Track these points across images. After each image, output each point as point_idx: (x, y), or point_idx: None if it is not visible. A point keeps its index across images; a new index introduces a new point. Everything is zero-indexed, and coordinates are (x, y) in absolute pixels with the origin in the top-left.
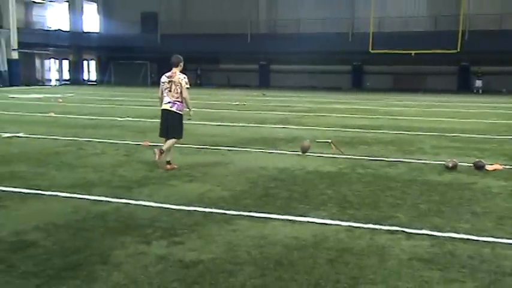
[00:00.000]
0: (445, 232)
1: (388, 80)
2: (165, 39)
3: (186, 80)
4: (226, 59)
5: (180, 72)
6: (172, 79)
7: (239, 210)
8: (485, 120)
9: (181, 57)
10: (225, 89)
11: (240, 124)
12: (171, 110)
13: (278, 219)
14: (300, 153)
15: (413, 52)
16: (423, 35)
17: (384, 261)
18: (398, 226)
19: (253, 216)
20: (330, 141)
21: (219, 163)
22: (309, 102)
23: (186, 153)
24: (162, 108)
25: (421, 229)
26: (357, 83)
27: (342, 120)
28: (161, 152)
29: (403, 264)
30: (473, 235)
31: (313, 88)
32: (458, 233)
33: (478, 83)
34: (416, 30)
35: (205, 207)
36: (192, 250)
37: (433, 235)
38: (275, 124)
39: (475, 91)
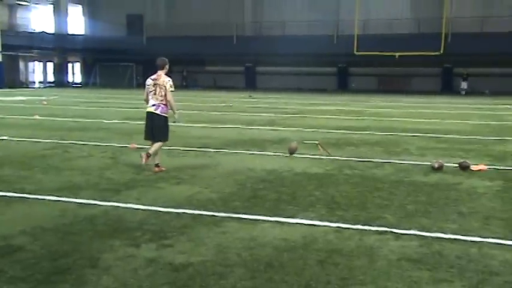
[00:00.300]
0: (433, 232)
1: (373, 82)
2: (150, 41)
3: (171, 83)
4: (212, 61)
5: (166, 74)
6: (157, 82)
7: (228, 212)
8: (469, 121)
9: (167, 60)
10: (211, 90)
11: (227, 126)
12: (155, 113)
13: (267, 220)
14: (287, 154)
15: (397, 54)
16: (407, 37)
17: (373, 261)
18: (387, 227)
19: (242, 218)
20: (317, 142)
21: (206, 165)
22: (296, 104)
23: (174, 156)
24: (147, 110)
25: (409, 229)
26: (343, 85)
27: (328, 121)
28: (148, 155)
29: (392, 265)
30: (461, 235)
31: (299, 90)
32: (445, 233)
33: (464, 84)
34: (400, 33)
35: (194, 210)
36: (182, 253)
37: (421, 235)
38: (262, 126)
39: (461, 92)
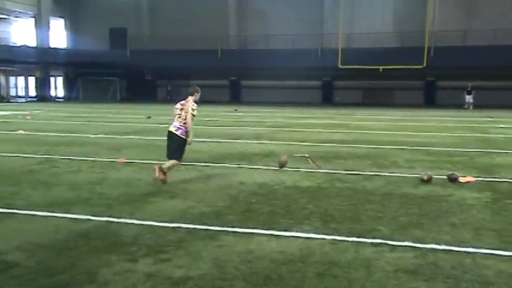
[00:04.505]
0: (427, 244)
1: (358, 95)
2: (134, 55)
3: (194, 107)
4: (197, 74)
5: (194, 101)
6: (184, 106)
7: (223, 226)
8: (454, 134)
9: (198, 89)
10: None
11: (215, 140)
12: (175, 133)
13: (263, 234)
14: (277, 168)
15: (381, 68)
16: (390, 51)
17: (371, 273)
18: (382, 239)
19: (237, 232)
20: (307, 155)
21: (198, 179)
22: (282, 118)
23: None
24: (168, 130)
25: (403, 241)
26: (328, 98)
27: (315, 135)
28: (160, 169)
29: (389, 276)
30: (454, 246)
31: (284, 103)
32: (439, 244)
33: (469, 98)
34: (384, 47)
35: (189, 224)
36: (180, 267)
37: (415, 247)
38: (250, 139)
39: (465, 106)
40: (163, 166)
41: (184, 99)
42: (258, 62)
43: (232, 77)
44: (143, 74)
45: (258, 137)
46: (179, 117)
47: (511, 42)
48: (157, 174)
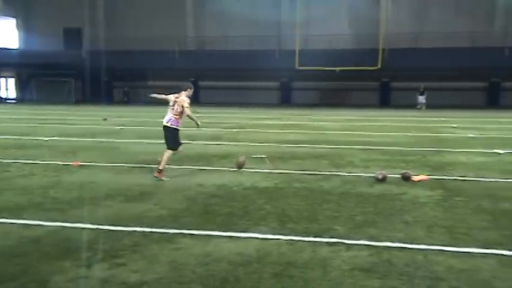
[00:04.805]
0: (382, 242)
1: (315, 96)
2: (89, 55)
3: (188, 101)
4: (154, 75)
5: (186, 96)
6: (177, 100)
7: (180, 229)
8: (407, 134)
9: (191, 85)
10: (153, 106)
11: None
12: (169, 126)
13: (220, 236)
14: (235, 169)
15: (337, 69)
16: (346, 53)
17: (327, 272)
18: (338, 238)
19: (195, 234)
20: (265, 156)
21: (154, 181)
22: (240, 118)
23: (120, 173)
24: (163, 125)
25: (359, 240)
26: (286, 99)
27: (273, 135)
28: (159, 171)
29: (345, 275)
30: (407, 243)
31: (243, 104)
32: (393, 242)
33: (421, 98)
34: (340, 48)
35: (145, 227)
36: (136, 271)
37: (370, 245)
38: (207, 140)
39: (418, 107)
40: (160, 167)
41: (177, 92)
42: (216, 63)
43: (190, 78)
44: (99, 75)
45: (216, 138)
46: (172, 109)
47: (460, 44)
48: (162, 177)
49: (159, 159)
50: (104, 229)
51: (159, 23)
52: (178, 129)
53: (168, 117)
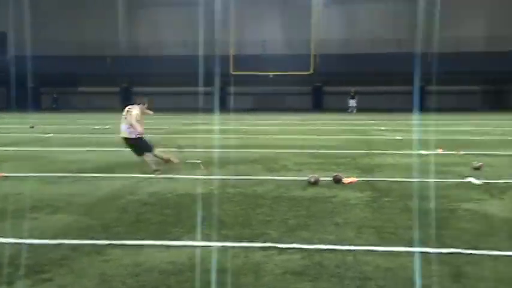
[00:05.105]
0: (313, 244)
1: (249, 101)
2: (15, 60)
3: (137, 112)
4: (85, 81)
5: (140, 110)
6: (129, 110)
7: (110, 239)
8: (339, 137)
9: (144, 100)
10: (84, 112)
11: (103, 149)
12: (127, 137)
13: (152, 245)
14: (170, 176)
15: (271, 73)
16: (280, 58)
17: (260, 277)
18: (271, 242)
19: (125, 244)
20: (199, 161)
21: (84, 191)
22: (174, 124)
23: (47, 182)
24: (121, 136)
25: (291, 243)
26: (220, 104)
27: (207, 140)
28: (155, 171)
29: (277, 279)
30: (338, 245)
31: (177, 110)
32: (324, 244)
33: (352, 102)
34: (274, 53)
35: (73, 239)
36: (62, 286)
37: (302, 248)
38: None
39: (349, 110)
40: (153, 167)
41: (131, 104)
42: (150, 69)
43: (123, 84)
44: (25, 81)
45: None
46: (125, 119)
47: (387, 50)
48: (159, 174)
49: (158, 174)
50: (27, 243)
51: (90, 27)
52: (141, 137)
53: (125, 128)
